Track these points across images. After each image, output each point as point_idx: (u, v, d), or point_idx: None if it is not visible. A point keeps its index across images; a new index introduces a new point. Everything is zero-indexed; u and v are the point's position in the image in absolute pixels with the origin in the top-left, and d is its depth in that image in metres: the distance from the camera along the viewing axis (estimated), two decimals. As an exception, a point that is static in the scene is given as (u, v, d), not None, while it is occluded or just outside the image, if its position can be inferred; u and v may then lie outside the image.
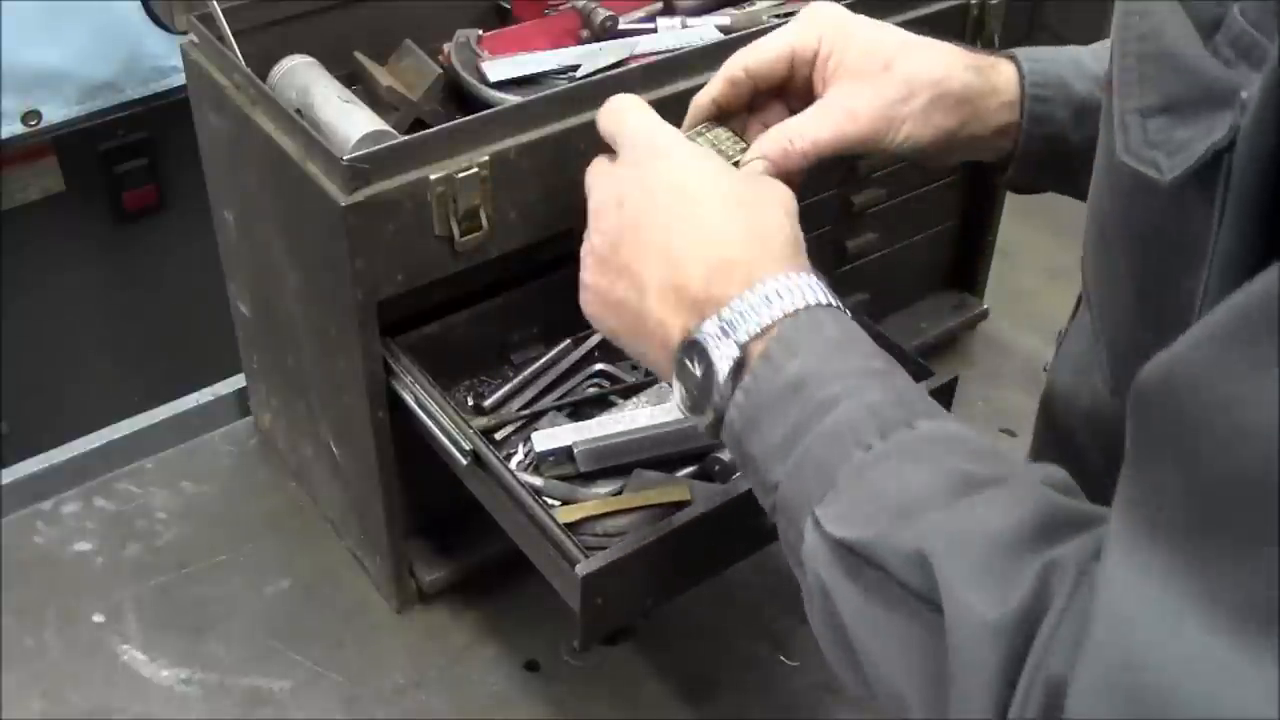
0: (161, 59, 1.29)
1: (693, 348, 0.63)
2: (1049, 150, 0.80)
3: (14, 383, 1.38)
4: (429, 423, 0.95)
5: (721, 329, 0.62)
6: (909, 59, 0.79)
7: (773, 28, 0.83)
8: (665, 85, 1.00)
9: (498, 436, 1.04)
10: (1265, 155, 0.44)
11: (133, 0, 1.25)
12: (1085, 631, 0.42)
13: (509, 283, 1.08)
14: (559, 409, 1.06)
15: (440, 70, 1.10)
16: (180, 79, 1.15)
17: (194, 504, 1.22)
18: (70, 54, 1.25)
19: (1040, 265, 1.53)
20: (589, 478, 1.00)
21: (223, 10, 1.02)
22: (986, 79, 0.80)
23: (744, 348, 0.61)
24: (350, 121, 1.00)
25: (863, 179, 1.26)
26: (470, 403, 1.07)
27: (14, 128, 1.25)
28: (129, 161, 1.37)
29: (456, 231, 0.93)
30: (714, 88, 0.82)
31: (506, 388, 1.08)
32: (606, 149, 0.78)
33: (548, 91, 0.98)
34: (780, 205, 0.69)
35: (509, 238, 0.97)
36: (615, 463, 1.00)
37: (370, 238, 0.90)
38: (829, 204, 1.25)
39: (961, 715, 0.47)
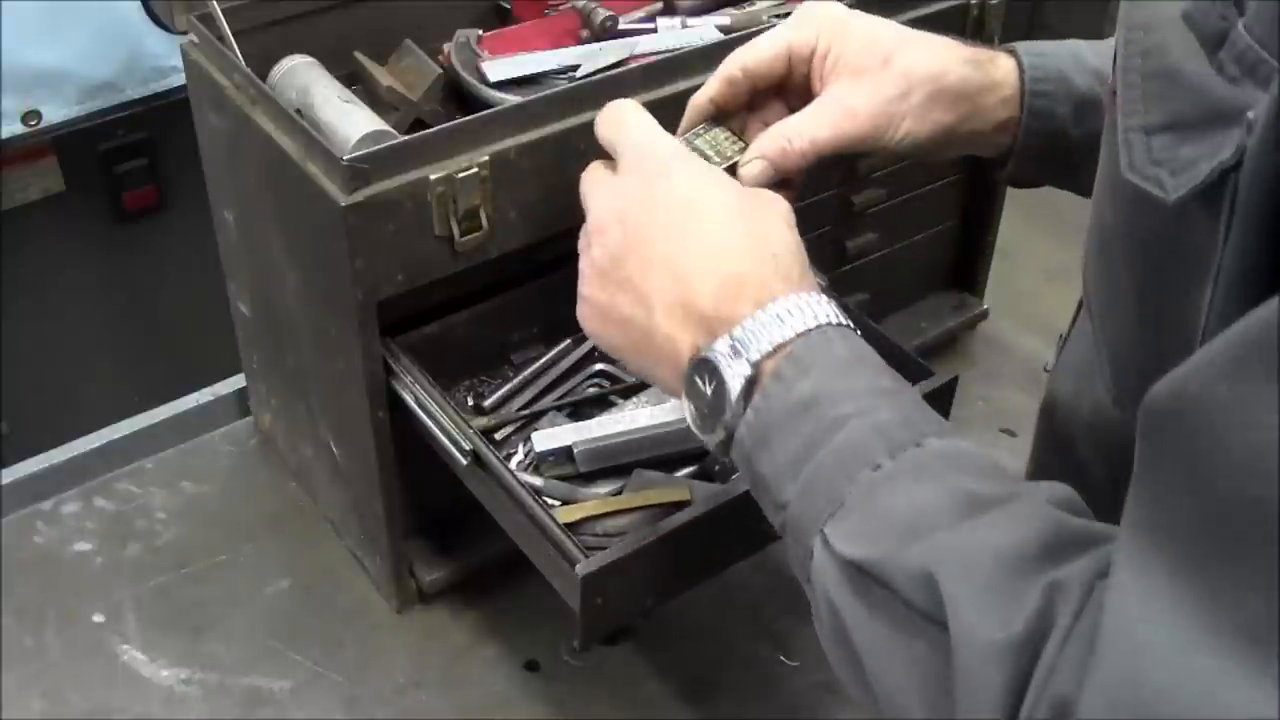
0: (161, 59, 1.29)
1: (704, 366, 0.63)
2: (1049, 145, 0.80)
3: (14, 383, 1.38)
4: (429, 423, 0.95)
5: (733, 348, 0.62)
6: (907, 55, 0.78)
7: (772, 27, 0.82)
8: (665, 85, 1.00)
9: (498, 436, 1.04)
10: (1272, 175, 0.44)
11: (133, 0, 1.25)
12: (1093, 652, 0.42)
13: (509, 283, 1.08)
14: (559, 409, 1.06)
15: (440, 70, 1.10)
16: (180, 79, 1.15)
17: (194, 504, 1.22)
18: (70, 54, 1.25)
19: (1040, 265, 1.53)
20: (589, 478, 1.00)
21: (223, 10, 1.02)
22: (986, 74, 0.79)
23: (756, 366, 0.61)
24: (350, 121, 1.00)
25: (863, 179, 1.26)
26: (470, 403, 1.07)
27: (14, 128, 1.24)
28: (129, 161, 1.36)
29: (456, 231, 0.93)
30: (711, 87, 0.82)
31: (506, 388, 1.08)
32: (605, 151, 0.78)
33: (548, 91, 0.98)
34: (781, 217, 0.69)
35: (509, 238, 0.97)
36: (615, 463, 1.00)
37: (370, 238, 0.90)
38: (829, 204, 1.25)
39: None
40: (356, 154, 0.89)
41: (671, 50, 1.05)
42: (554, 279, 1.05)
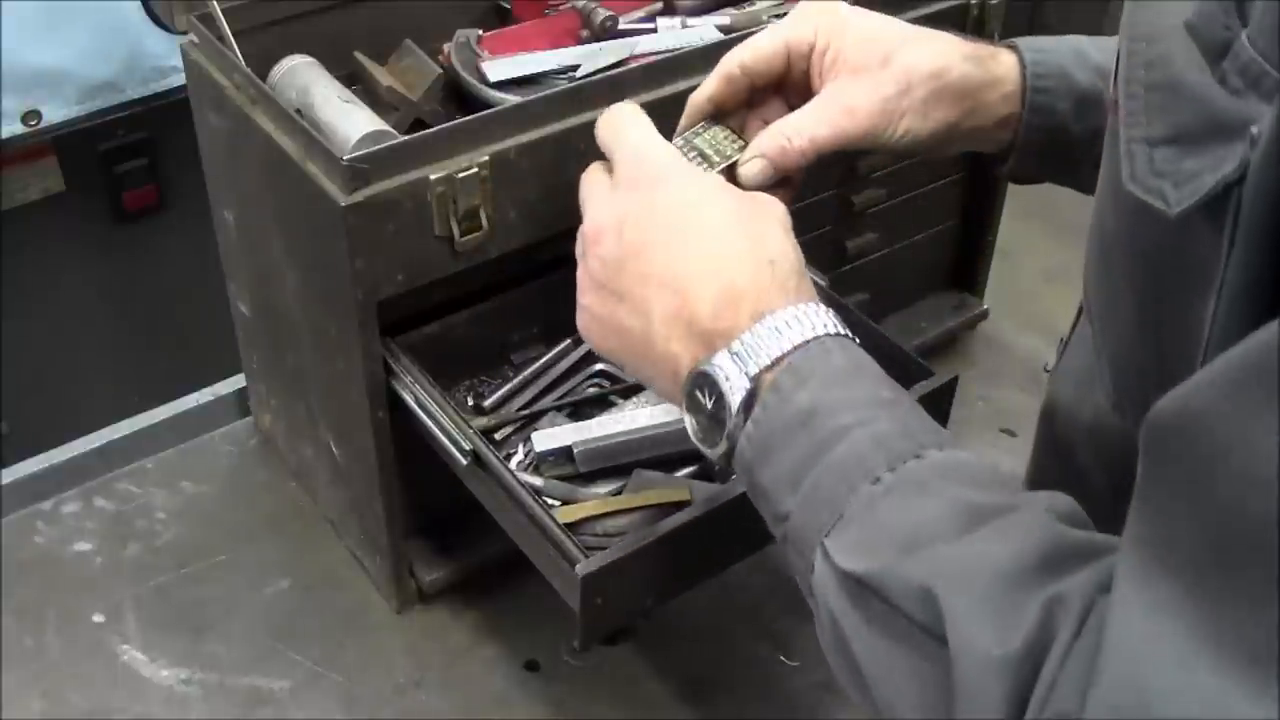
0: (161, 59, 1.29)
1: (703, 379, 0.63)
2: (1050, 141, 0.80)
3: (14, 383, 1.38)
4: (429, 423, 0.95)
5: (732, 361, 0.62)
6: (908, 52, 0.78)
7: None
8: (665, 85, 1.00)
9: (498, 436, 1.04)
10: (1275, 190, 0.44)
11: (133, 0, 1.25)
12: (1095, 667, 0.42)
13: (509, 283, 1.08)
14: (559, 409, 1.06)
15: (440, 70, 1.10)
16: (180, 79, 1.15)
17: (194, 504, 1.22)
18: (70, 54, 1.25)
19: (1040, 265, 1.53)
20: (589, 478, 1.00)
21: (223, 10, 1.02)
22: (987, 70, 0.79)
23: (755, 379, 0.61)
24: (350, 121, 1.00)
25: (863, 179, 1.26)
26: (470, 403, 1.07)
27: (14, 128, 1.25)
28: (129, 161, 1.37)
29: (456, 231, 0.93)
30: (710, 86, 0.81)
31: (506, 388, 1.08)
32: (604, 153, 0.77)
33: (548, 91, 0.98)
34: (778, 222, 0.69)
35: (509, 238, 0.97)
36: (615, 463, 1.00)
37: (370, 238, 0.90)
38: (829, 204, 1.25)
39: None
40: (356, 154, 0.89)
41: (671, 50, 1.05)
42: (554, 279, 1.05)
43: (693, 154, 0.80)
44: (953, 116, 0.78)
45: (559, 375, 1.09)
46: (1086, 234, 0.63)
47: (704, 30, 1.16)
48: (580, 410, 1.07)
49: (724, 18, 1.18)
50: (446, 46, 1.13)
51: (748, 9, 1.20)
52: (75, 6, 1.22)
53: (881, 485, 0.55)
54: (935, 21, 0.98)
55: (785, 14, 1.14)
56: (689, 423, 0.65)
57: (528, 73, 1.11)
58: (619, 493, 0.99)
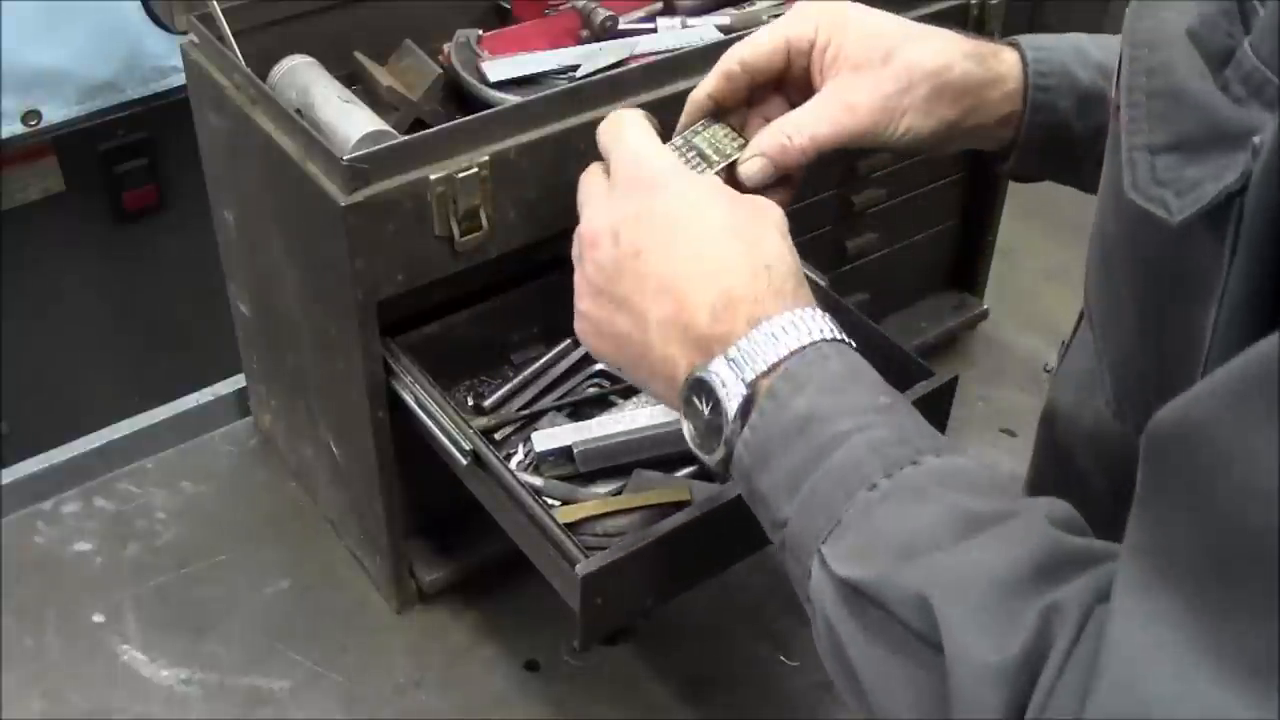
0: (161, 59, 1.29)
1: (700, 386, 0.63)
2: (1051, 139, 0.79)
3: (14, 383, 1.38)
4: (429, 423, 0.95)
5: (729, 367, 0.62)
6: (909, 49, 0.78)
7: (772, 26, 0.82)
8: (665, 85, 1.00)
9: (498, 436, 1.04)
10: (1277, 201, 0.44)
11: (133, 0, 1.25)
12: (1094, 676, 0.42)
13: (509, 283, 1.08)
14: (559, 409, 1.06)
15: (440, 70, 1.10)
16: (180, 79, 1.15)
17: (194, 504, 1.22)
18: (70, 54, 1.25)
19: (1040, 265, 1.53)
20: (589, 478, 1.00)
21: (223, 10, 1.02)
22: (989, 68, 0.78)
23: (752, 385, 0.61)
24: (350, 121, 1.00)
25: (863, 178, 1.26)
26: (470, 403, 1.07)
27: (14, 128, 1.24)
28: (129, 161, 1.36)
29: (456, 231, 0.93)
30: (710, 83, 0.81)
31: (506, 388, 1.08)
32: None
33: (548, 91, 0.98)
34: (774, 226, 0.69)
35: (509, 238, 0.97)
36: (615, 463, 1.00)
37: (370, 238, 0.90)
38: (829, 204, 1.25)
39: None
40: (356, 154, 0.89)
41: (671, 50, 1.05)
42: (554, 279, 1.05)
43: (692, 153, 0.80)
44: (954, 114, 0.78)
45: (559, 375, 1.09)
46: (1086, 233, 0.63)
47: (704, 30, 1.16)
48: (580, 410, 1.07)
49: (724, 18, 1.18)
50: (446, 46, 1.13)
51: (747, 9, 1.20)
52: (75, 6, 1.22)
53: (878, 492, 0.55)
54: (935, 21, 0.98)
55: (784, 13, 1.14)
56: (686, 429, 0.65)
57: (528, 73, 1.11)
58: (619, 493, 0.99)
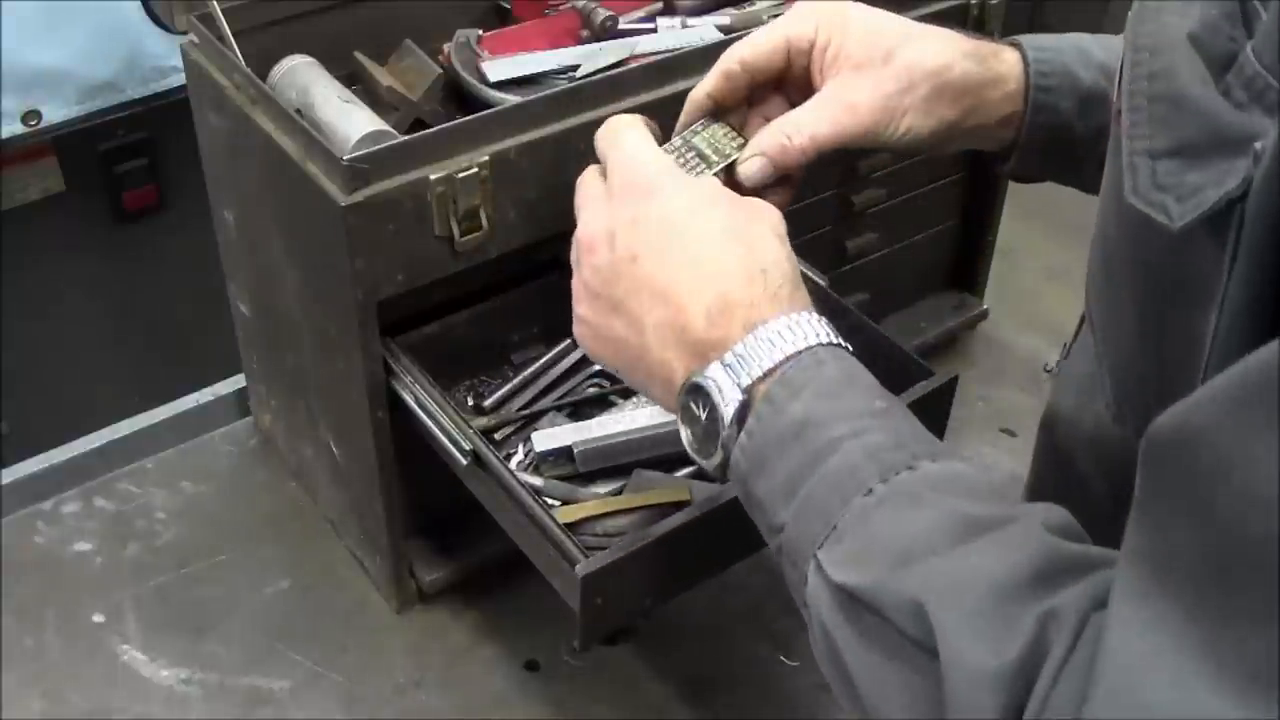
0: (161, 59, 1.29)
1: (696, 391, 0.63)
2: (1052, 139, 0.79)
3: (14, 383, 1.38)
4: (429, 423, 0.95)
5: (725, 372, 0.62)
6: (910, 49, 0.77)
7: (772, 26, 0.82)
8: (665, 85, 1.00)
9: (498, 436, 1.04)
10: (1278, 207, 0.43)
11: (133, 0, 1.25)
12: (1091, 682, 0.42)
13: (509, 283, 1.08)
14: (559, 409, 1.06)
15: (440, 70, 1.10)
16: (180, 79, 1.15)
17: (194, 504, 1.22)
18: (70, 54, 1.24)
19: (1040, 265, 1.53)
20: (589, 478, 1.00)
21: (223, 10, 1.02)
22: (990, 68, 0.78)
23: (748, 390, 0.61)
24: (350, 121, 1.00)
25: (863, 178, 1.26)
26: (470, 403, 1.07)
27: (14, 128, 1.24)
28: (129, 161, 1.36)
29: (456, 231, 0.93)
30: (709, 82, 0.81)
31: (506, 388, 1.08)
32: None
33: (548, 91, 0.98)
34: (771, 228, 0.69)
35: (509, 238, 0.97)
36: (615, 463, 1.00)
37: (370, 238, 0.90)
38: (829, 204, 1.25)
39: None
40: (356, 154, 0.89)
41: (671, 50, 1.05)
42: (554, 279, 1.05)
43: (691, 153, 0.80)
44: (955, 114, 0.78)
45: (559, 375, 1.09)
46: (1087, 233, 0.63)
47: (704, 30, 1.16)
48: (580, 410, 1.07)
49: (724, 18, 1.18)
50: (446, 46, 1.13)
51: (747, 9, 1.20)
52: (75, 6, 1.22)
53: (874, 497, 0.55)
54: (935, 21, 0.98)
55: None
56: (684, 434, 0.65)
57: (528, 73, 1.11)
58: (619, 493, 0.99)
